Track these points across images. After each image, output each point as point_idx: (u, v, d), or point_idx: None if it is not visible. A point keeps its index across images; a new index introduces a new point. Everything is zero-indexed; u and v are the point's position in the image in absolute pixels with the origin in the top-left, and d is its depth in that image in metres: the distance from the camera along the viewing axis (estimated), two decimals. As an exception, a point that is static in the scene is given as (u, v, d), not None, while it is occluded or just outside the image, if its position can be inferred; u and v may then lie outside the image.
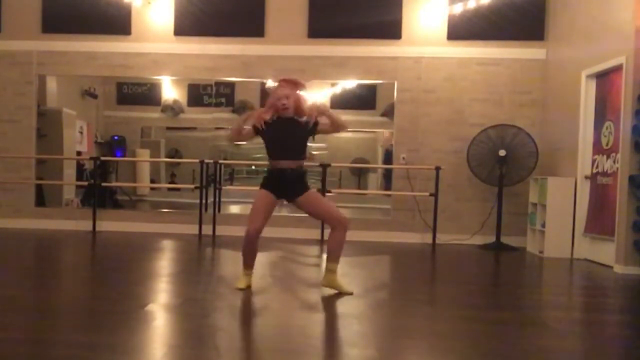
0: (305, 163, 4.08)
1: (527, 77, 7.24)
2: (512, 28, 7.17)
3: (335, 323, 3.41)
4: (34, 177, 7.71)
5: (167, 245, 6.52)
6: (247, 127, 4.03)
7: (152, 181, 9.54)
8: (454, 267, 5.80)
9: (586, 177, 6.18)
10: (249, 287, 4.02)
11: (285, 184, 3.93)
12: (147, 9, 7.49)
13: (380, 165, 8.74)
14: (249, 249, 3.99)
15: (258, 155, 9.38)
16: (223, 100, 8.40)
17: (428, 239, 7.04)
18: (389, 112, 7.80)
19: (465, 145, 7.04)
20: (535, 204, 6.71)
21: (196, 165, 7.39)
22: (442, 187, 7.01)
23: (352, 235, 6.92)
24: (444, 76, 7.32)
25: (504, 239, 6.91)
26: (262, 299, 3.86)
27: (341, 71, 7.46)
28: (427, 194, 6.98)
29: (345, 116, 8.28)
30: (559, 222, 6.26)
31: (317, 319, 3.42)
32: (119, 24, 7.51)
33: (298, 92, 3.97)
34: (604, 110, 5.95)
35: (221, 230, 7.13)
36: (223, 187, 7.76)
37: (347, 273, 4.61)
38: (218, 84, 8.10)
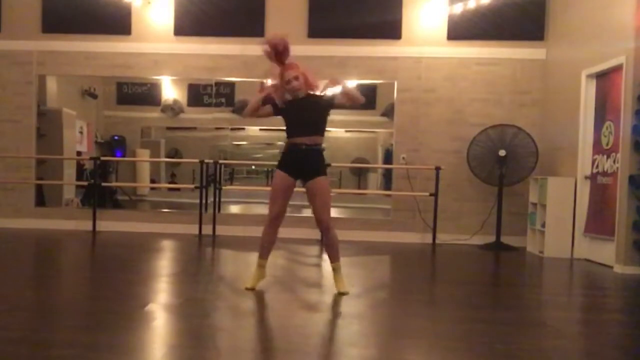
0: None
1: (527, 77, 7.24)
2: (512, 28, 7.17)
3: (335, 323, 3.41)
4: (34, 177, 7.71)
5: (167, 245, 6.52)
6: (261, 100, 4.01)
7: (152, 181, 9.54)
8: (454, 267, 5.80)
9: (586, 177, 6.18)
10: (261, 279, 4.01)
11: (300, 161, 3.92)
12: (147, 9, 7.49)
13: (380, 165, 8.74)
14: (268, 234, 4.01)
15: (258, 155, 9.40)
16: (223, 100, 8.39)
17: (428, 239, 7.04)
18: (389, 112, 7.80)
19: (465, 145, 7.04)
20: (535, 204, 6.71)
21: (196, 165, 7.39)
22: (442, 187, 7.01)
23: (352, 235, 7.01)
24: (444, 76, 7.32)
25: (504, 239, 6.90)
26: (262, 299, 3.86)
27: (341, 71, 7.43)
28: (427, 194, 6.98)
29: (345, 116, 8.42)
30: (559, 222, 6.26)
31: (317, 319, 3.42)
32: (119, 24, 7.51)
33: (302, 68, 4.02)
34: (604, 110, 5.95)
35: (221, 230, 7.13)
36: (223, 187, 7.76)
37: (348, 273, 4.59)
38: (218, 83, 8.10)
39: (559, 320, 3.57)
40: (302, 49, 7.33)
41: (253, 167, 9.63)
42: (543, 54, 7.17)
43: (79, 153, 8.60)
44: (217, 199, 7.43)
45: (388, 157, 8.03)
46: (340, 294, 3.91)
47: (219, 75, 7.70)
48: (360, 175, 9.13)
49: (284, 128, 4.05)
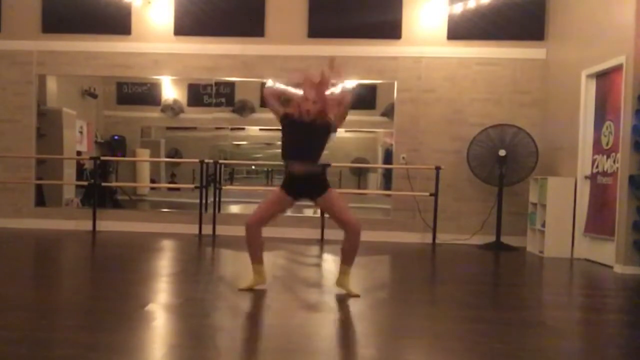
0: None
1: (527, 77, 7.24)
2: (512, 28, 7.16)
3: (336, 323, 3.40)
4: (34, 177, 7.70)
5: (167, 245, 6.52)
6: (282, 94, 3.97)
7: (152, 181, 9.55)
8: (454, 267, 5.80)
9: (586, 177, 6.18)
10: (253, 288, 3.98)
11: (301, 186, 3.90)
12: (147, 9, 7.49)
13: (380, 165, 8.74)
14: (248, 240, 3.96)
15: (258, 155, 9.40)
16: (223, 100, 8.40)
17: (428, 238, 7.04)
18: (389, 112, 7.80)
19: (465, 145, 7.04)
20: (535, 204, 6.71)
21: (196, 165, 7.39)
22: (442, 187, 7.01)
23: (352, 235, 6.99)
24: (444, 76, 7.32)
25: (504, 239, 6.90)
26: (262, 298, 3.86)
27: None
28: (427, 193, 6.98)
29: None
30: (559, 222, 6.26)
31: (317, 319, 3.42)
32: (119, 24, 7.51)
33: (326, 92, 3.85)
34: (604, 110, 5.95)
35: (221, 230, 7.13)
36: (223, 187, 7.76)
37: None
38: (218, 83, 8.10)
39: (559, 320, 3.57)
40: (302, 49, 7.38)
41: (253, 167, 9.63)
42: (543, 54, 7.17)
43: (79, 153, 8.60)
44: (217, 199, 7.43)
45: (388, 157, 8.04)
46: (353, 296, 3.87)
47: (219, 75, 7.70)
48: (360, 175, 9.13)
49: (281, 143, 4.00)
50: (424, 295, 4.36)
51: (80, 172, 8.67)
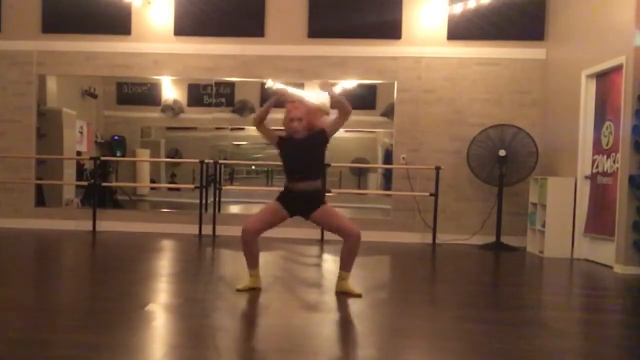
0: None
1: (527, 77, 7.24)
2: (512, 28, 7.17)
3: (336, 323, 3.41)
4: (34, 177, 7.70)
5: (167, 245, 6.52)
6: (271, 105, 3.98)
7: (152, 181, 9.55)
8: (454, 267, 5.80)
9: (586, 177, 6.18)
10: (253, 289, 3.99)
11: (300, 203, 3.92)
12: (147, 9, 7.49)
13: (380, 165, 8.74)
14: (244, 247, 3.99)
15: (258, 156, 9.40)
16: (223, 100, 8.40)
17: (428, 239, 7.04)
18: (389, 112, 7.80)
19: (465, 145, 7.04)
20: (535, 204, 6.71)
21: (196, 165, 7.39)
22: (442, 187, 7.01)
23: (352, 235, 6.99)
24: (444, 76, 7.32)
25: (504, 239, 6.90)
26: (262, 299, 3.86)
27: (341, 71, 7.46)
28: (427, 194, 6.98)
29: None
30: (559, 222, 6.26)
31: (318, 319, 3.42)
32: (119, 24, 7.51)
33: (309, 108, 3.93)
34: (604, 110, 5.95)
35: (221, 230, 7.12)
36: (223, 187, 7.76)
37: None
38: (218, 84, 8.10)
39: (559, 320, 3.57)
40: (302, 49, 7.39)
41: (253, 167, 9.63)
42: (543, 54, 7.17)
43: (79, 153, 8.60)
44: (217, 199, 7.43)
45: (388, 157, 8.04)
46: (356, 296, 3.88)
47: (218, 75, 7.70)
48: (360, 175, 9.13)
49: (282, 165, 4.04)
50: (424, 295, 4.36)
51: (80, 172, 8.67)
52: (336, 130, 3.99)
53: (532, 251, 6.70)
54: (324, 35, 7.34)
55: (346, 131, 8.77)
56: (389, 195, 7.64)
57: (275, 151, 4.18)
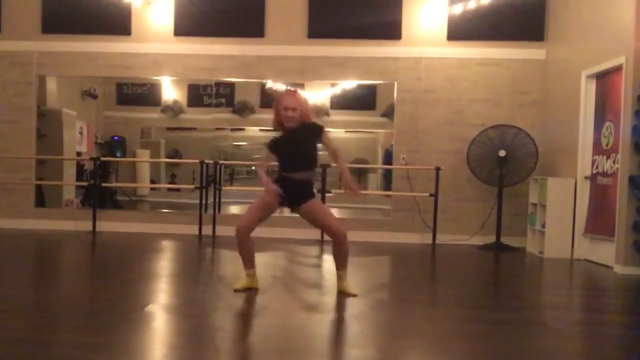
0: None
1: (527, 78, 7.24)
2: (512, 28, 7.16)
3: (335, 323, 3.41)
4: (34, 177, 7.70)
5: (167, 245, 6.52)
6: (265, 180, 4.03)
7: (152, 182, 9.54)
8: (454, 267, 5.80)
9: (586, 178, 6.18)
10: (249, 289, 3.99)
11: (292, 192, 3.93)
12: (147, 9, 7.49)
13: (380, 165, 8.74)
14: (239, 246, 3.98)
15: (258, 156, 9.39)
16: (223, 100, 8.41)
17: (428, 239, 7.04)
18: (389, 113, 7.80)
19: (465, 145, 7.04)
20: (535, 205, 6.71)
21: (196, 166, 7.39)
22: (442, 188, 7.01)
23: (352, 236, 6.90)
24: (444, 76, 7.32)
25: (504, 240, 6.90)
26: (262, 299, 3.86)
27: (341, 71, 7.46)
28: (427, 194, 6.98)
29: (345, 116, 8.41)
30: (559, 223, 6.26)
31: (317, 319, 3.42)
32: (119, 24, 7.51)
33: (301, 99, 4.00)
34: (604, 110, 5.95)
35: (221, 230, 7.11)
36: (223, 188, 7.76)
37: (348, 273, 4.60)
38: (218, 84, 8.11)
39: (559, 320, 3.57)
40: (302, 49, 7.38)
41: (253, 167, 9.62)
42: (543, 54, 7.17)
43: (79, 153, 8.60)
44: (217, 200, 7.43)
45: (388, 158, 8.04)
46: (351, 295, 3.89)
47: (218, 76, 7.70)
48: (360, 175, 9.13)
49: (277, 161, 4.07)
50: (424, 295, 4.36)
51: (80, 172, 8.67)
52: (329, 146, 4.02)
53: (532, 251, 6.70)
54: (324, 36, 7.34)
55: (346, 131, 8.79)
56: (389, 196, 7.64)
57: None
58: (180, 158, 9.27)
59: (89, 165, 8.44)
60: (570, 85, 6.46)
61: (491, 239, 6.93)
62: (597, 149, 6.01)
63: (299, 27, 7.40)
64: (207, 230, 7.11)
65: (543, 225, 6.41)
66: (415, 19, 7.28)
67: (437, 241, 6.93)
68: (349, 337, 3.10)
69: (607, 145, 5.81)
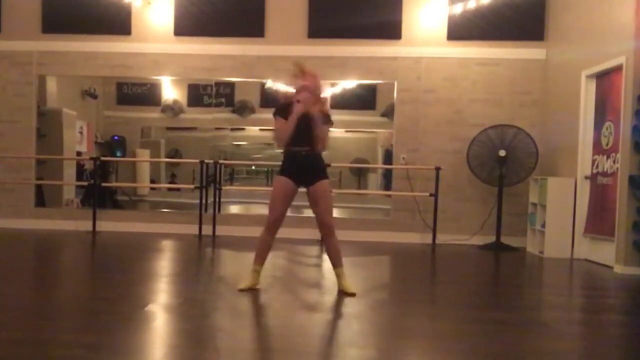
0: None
1: (527, 78, 7.24)
2: (512, 28, 7.16)
3: (336, 323, 3.41)
4: (34, 177, 7.70)
5: (167, 245, 6.52)
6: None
7: (152, 181, 9.54)
8: (454, 267, 5.80)
9: (586, 177, 6.18)
10: (252, 287, 3.99)
11: (302, 166, 3.94)
12: (147, 9, 7.49)
13: (380, 165, 8.74)
14: (262, 240, 4.02)
15: (258, 156, 9.40)
16: (223, 100, 8.40)
17: (428, 239, 7.04)
18: (389, 112, 7.80)
19: (465, 145, 7.04)
20: (535, 204, 6.71)
21: (196, 166, 7.39)
22: (442, 188, 7.01)
23: (352, 236, 7.01)
24: (443, 76, 7.32)
25: (504, 239, 6.90)
26: (262, 299, 3.86)
27: (341, 71, 7.46)
28: (427, 194, 6.98)
29: (345, 116, 8.41)
30: (559, 223, 6.26)
31: (317, 319, 3.42)
32: (119, 24, 7.51)
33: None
34: (604, 110, 5.95)
35: (221, 230, 7.12)
36: (223, 188, 7.75)
37: (348, 273, 4.59)
38: (218, 84, 8.10)
39: (559, 320, 3.57)
40: (302, 49, 7.37)
41: (253, 167, 9.63)
42: (543, 54, 7.17)
43: (79, 153, 8.60)
44: (217, 199, 7.43)
45: (388, 158, 8.04)
46: (350, 295, 3.90)
47: (218, 76, 7.70)
48: (360, 175, 9.13)
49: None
50: (424, 295, 4.36)
51: (80, 172, 8.67)
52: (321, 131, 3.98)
53: (532, 251, 6.70)
54: (324, 36, 7.34)
55: (346, 131, 8.78)
56: (389, 196, 7.64)
57: (275, 151, 4.17)
58: (180, 158, 9.27)
59: (89, 165, 8.44)
60: (570, 85, 6.46)
61: (491, 238, 6.93)
62: (597, 148, 6.01)
63: (299, 27, 7.40)
64: (207, 230, 7.10)
65: (543, 225, 6.41)
66: (415, 19, 7.28)
67: (437, 241, 6.93)
68: (349, 337, 3.10)
69: (607, 145, 5.81)
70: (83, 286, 4.36)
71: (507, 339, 3.07)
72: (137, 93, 8.83)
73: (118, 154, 9.13)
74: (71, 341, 2.85)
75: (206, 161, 7.31)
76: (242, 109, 8.58)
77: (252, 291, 3.96)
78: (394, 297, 4.23)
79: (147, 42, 7.53)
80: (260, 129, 8.98)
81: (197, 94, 8.54)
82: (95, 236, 7.01)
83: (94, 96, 9.02)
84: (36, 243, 6.60)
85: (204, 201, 7.18)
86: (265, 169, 9.32)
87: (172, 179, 9.51)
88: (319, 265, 5.67)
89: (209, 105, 8.37)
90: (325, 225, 4.00)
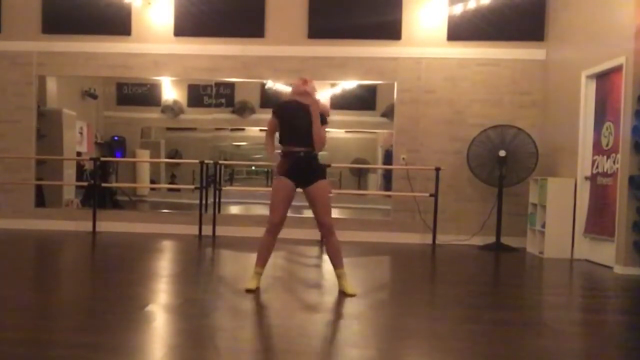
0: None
1: (527, 78, 7.24)
2: (512, 28, 7.17)
3: (336, 323, 3.41)
4: (34, 177, 7.70)
5: (167, 245, 6.52)
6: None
7: (152, 182, 9.54)
8: (454, 267, 5.79)
9: (586, 178, 6.18)
10: (257, 288, 4.00)
11: (299, 167, 3.95)
12: (147, 9, 7.49)
13: (380, 165, 8.74)
14: (268, 241, 4.02)
15: (258, 156, 9.40)
16: (223, 100, 8.41)
17: (428, 239, 7.04)
18: (389, 113, 7.80)
19: (465, 145, 7.04)
20: (535, 205, 6.71)
21: (196, 166, 7.39)
22: (442, 188, 7.01)
23: (352, 236, 7.01)
24: (444, 77, 7.32)
25: (504, 240, 6.90)
26: (262, 299, 3.86)
27: (341, 72, 7.46)
28: (427, 194, 6.98)
29: (345, 116, 8.42)
30: (559, 223, 6.26)
31: (317, 319, 3.42)
32: (119, 24, 7.51)
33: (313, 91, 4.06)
34: (604, 110, 5.95)
35: (221, 230, 7.13)
36: (223, 188, 7.76)
37: (348, 273, 4.59)
38: (218, 84, 8.11)
39: (559, 320, 3.57)
40: (302, 50, 7.39)
41: (253, 167, 9.63)
42: (543, 54, 7.18)
43: (79, 154, 8.60)
44: (217, 200, 7.43)
45: (388, 158, 8.04)
46: (350, 296, 3.90)
47: (218, 76, 7.70)
48: (360, 175, 9.13)
49: (278, 133, 4.07)
50: (424, 295, 4.36)
51: (80, 172, 8.67)
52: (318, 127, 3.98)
53: (532, 252, 6.70)
54: (324, 36, 7.34)
55: (346, 131, 8.79)
56: (389, 196, 7.64)
57: (275, 151, 4.16)
58: (180, 158, 9.27)
59: (89, 166, 8.44)
60: (570, 85, 6.46)
61: (491, 239, 6.93)
62: (597, 149, 6.01)
63: (299, 27, 7.40)
64: (207, 230, 7.11)
65: (543, 226, 6.41)
66: (415, 19, 7.28)
67: (437, 241, 6.94)
68: (349, 337, 3.10)
69: (607, 145, 5.81)
70: (83, 286, 4.36)
71: (507, 339, 3.07)
72: (137, 93, 8.83)
73: (118, 154, 9.14)
74: (71, 341, 2.85)
75: (206, 162, 7.31)
76: (242, 110, 8.58)
77: (252, 291, 3.96)
78: (394, 298, 4.22)
79: (147, 42, 7.54)
80: (261, 130, 8.95)
81: (197, 95, 8.55)
82: (95, 236, 7.01)
83: (94, 96, 9.02)
84: (36, 243, 6.60)
85: (203, 202, 7.19)
86: (265, 169, 9.32)
87: (172, 179, 9.52)
88: (319, 266, 5.66)
89: (209, 105, 8.38)
90: (324, 226, 4.01)
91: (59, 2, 7.55)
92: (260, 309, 3.69)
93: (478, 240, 7.08)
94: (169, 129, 9.54)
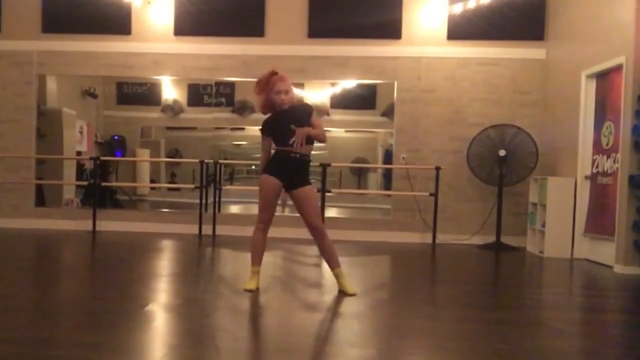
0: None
1: (527, 77, 7.24)
2: (512, 28, 7.16)
3: (335, 323, 3.41)
4: (34, 177, 7.70)
5: (167, 245, 6.52)
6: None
7: (152, 181, 9.55)
8: (454, 267, 5.79)
9: (586, 177, 6.18)
10: (257, 288, 4.00)
11: (288, 168, 3.94)
12: (147, 9, 7.49)
13: (380, 165, 8.74)
14: (254, 242, 4.01)
15: (258, 155, 9.40)
16: (223, 100, 8.40)
17: (428, 239, 7.04)
18: (389, 112, 7.80)
19: (465, 145, 7.04)
20: (535, 204, 6.71)
21: (196, 165, 7.39)
22: (442, 187, 7.01)
23: (352, 235, 7.02)
24: (444, 76, 7.32)
25: (504, 239, 6.91)
26: (262, 299, 3.86)
27: (341, 71, 7.46)
28: (427, 194, 6.99)
29: (345, 116, 8.42)
30: (559, 222, 6.26)
31: (317, 319, 3.42)
32: (119, 24, 7.51)
33: (290, 82, 4.16)
34: (604, 110, 5.95)
35: (221, 230, 7.13)
36: (223, 187, 7.76)
37: (348, 273, 4.59)
38: (218, 83, 8.10)
39: (559, 320, 3.57)
40: (302, 49, 7.39)
41: (253, 167, 9.62)
42: (543, 54, 7.17)
43: (79, 153, 8.60)
44: (217, 199, 7.43)
45: (388, 157, 8.04)
46: (350, 295, 3.90)
47: (218, 75, 7.70)
48: (360, 175, 9.13)
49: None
50: (424, 295, 4.36)
51: (80, 172, 8.67)
52: (317, 126, 3.99)
53: (532, 251, 6.70)
54: (324, 35, 7.34)
55: (346, 131, 8.79)
56: (389, 195, 7.64)
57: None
58: (180, 157, 9.27)
59: (89, 165, 8.44)
60: (570, 85, 6.46)
61: (491, 238, 6.94)
62: (597, 148, 6.01)
63: (299, 27, 7.40)
64: (207, 229, 7.11)
65: (543, 225, 6.42)
66: (415, 18, 7.28)
67: (437, 241, 6.94)
68: (349, 336, 3.09)
69: (607, 144, 5.81)
70: (83, 286, 4.37)
71: (507, 339, 3.07)
72: (137, 93, 8.83)
73: (118, 153, 9.14)
74: (71, 340, 2.85)
75: (206, 161, 7.31)
76: (242, 109, 8.58)
77: (252, 291, 3.96)
78: (394, 297, 4.22)
79: (147, 41, 7.54)
80: (261, 129, 8.97)
81: (197, 94, 8.54)
82: (95, 236, 7.01)
83: (94, 96, 9.02)
84: (36, 243, 6.60)
85: (204, 201, 7.19)
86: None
87: (172, 178, 9.52)
88: (318, 265, 5.66)
89: (209, 105, 8.37)
90: (316, 229, 3.99)
91: (59, 1, 7.55)
92: (260, 309, 3.69)
93: (478, 240, 7.08)
94: (169, 128, 9.54)
